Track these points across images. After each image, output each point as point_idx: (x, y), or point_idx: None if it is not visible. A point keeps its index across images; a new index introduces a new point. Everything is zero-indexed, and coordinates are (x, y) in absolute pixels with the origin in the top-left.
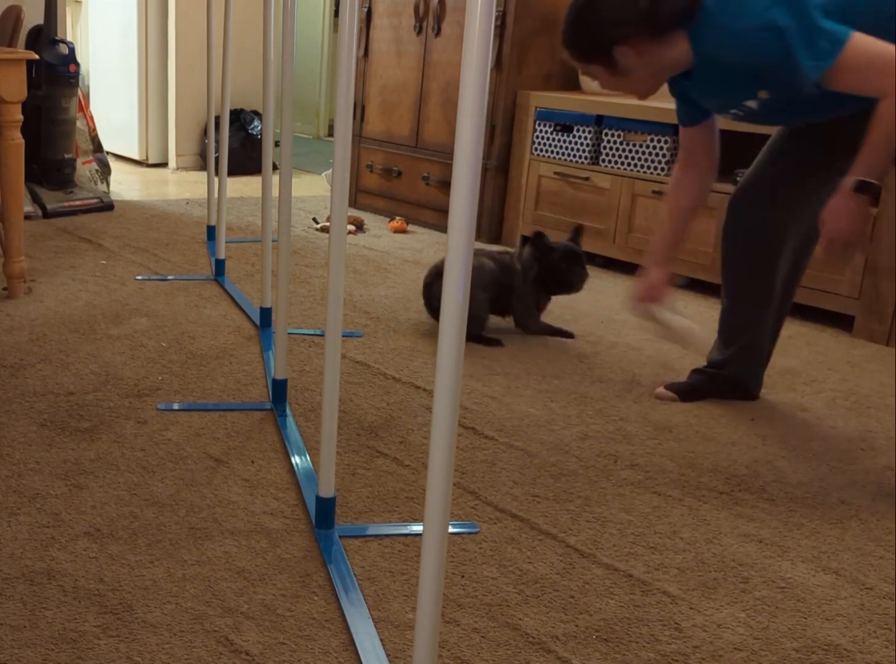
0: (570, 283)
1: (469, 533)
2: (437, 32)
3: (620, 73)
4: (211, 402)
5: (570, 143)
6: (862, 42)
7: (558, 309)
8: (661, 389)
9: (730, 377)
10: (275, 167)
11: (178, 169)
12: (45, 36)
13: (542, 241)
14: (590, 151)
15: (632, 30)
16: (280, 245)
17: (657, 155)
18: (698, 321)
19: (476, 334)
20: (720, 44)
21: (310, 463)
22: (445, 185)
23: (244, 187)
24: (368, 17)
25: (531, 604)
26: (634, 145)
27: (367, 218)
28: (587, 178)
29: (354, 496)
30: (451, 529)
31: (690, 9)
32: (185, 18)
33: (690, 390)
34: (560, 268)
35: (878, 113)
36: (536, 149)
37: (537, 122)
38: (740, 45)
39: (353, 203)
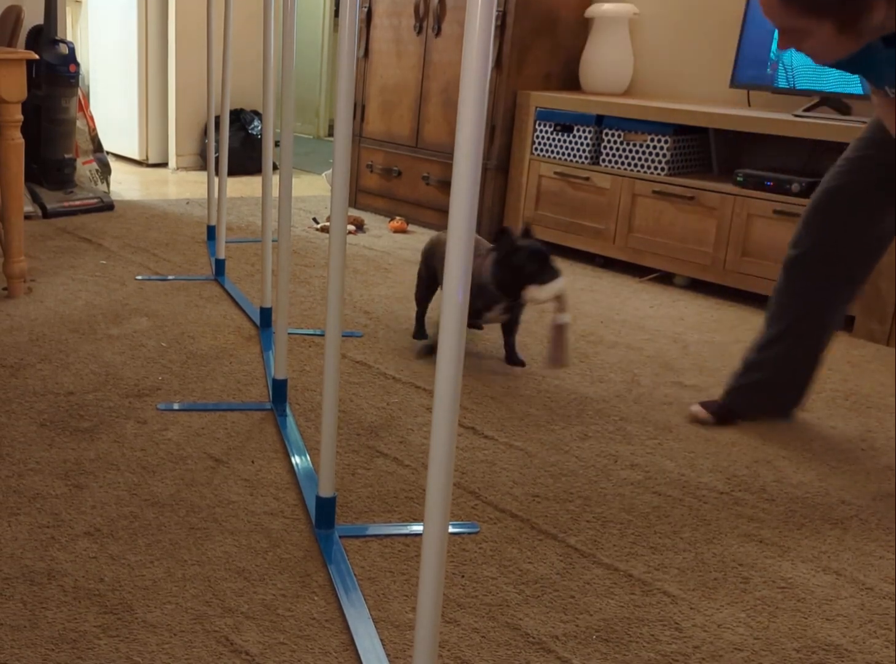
0: (539, 281)
1: (469, 533)
2: (437, 32)
3: (851, 33)
4: (211, 402)
5: (571, 142)
6: None
7: None
8: (696, 407)
9: (766, 382)
10: (275, 167)
11: (178, 169)
12: (45, 36)
13: (507, 238)
14: (590, 151)
15: None
16: (280, 245)
17: (657, 155)
18: (698, 321)
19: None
20: None
21: (310, 463)
22: (445, 185)
23: (244, 187)
24: (368, 17)
25: (531, 604)
26: (634, 145)
27: (367, 218)
28: (587, 178)
29: (354, 496)
30: (451, 529)
31: None
32: (185, 18)
33: (723, 411)
34: (523, 270)
35: None
36: (536, 149)
37: (537, 122)
38: None
39: (353, 203)
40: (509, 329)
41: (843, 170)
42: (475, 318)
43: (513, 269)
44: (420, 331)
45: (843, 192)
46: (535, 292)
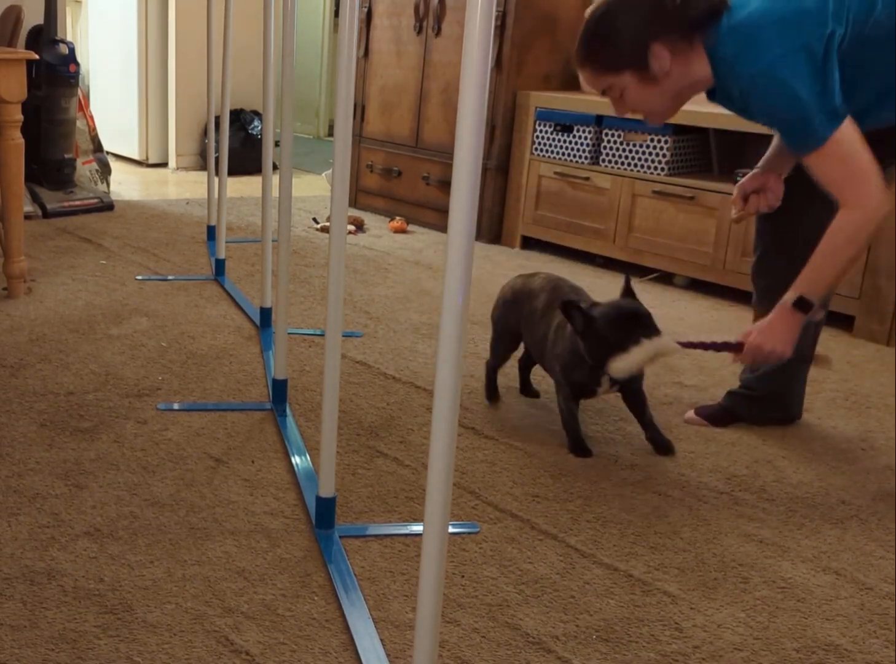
0: (623, 348)
1: (469, 533)
2: (437, 32)
3: (651, 81)
4: (211, 402)
5: (570, 142)
6: (847, 134)
7: None
8: (690, 414)
9: (767, 396)
10: (275, 167)
11: (178, 169)
12: (45, 36)
13: (574, 310)
14: (590, 151)
15: (666, 26)
16: (280, 245)
17: (657, 155)
18: (698, 321)
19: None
20: (729, 74)
21: (310, 463)
22: (445, 185)
23: (244, 187)
24: (368, 17)
25: (531, 604)
26: (634, 145)
27: (367, 218)
28: (587, 178)
29: (354, 496)
30: (451, 529)
31: (717, 8)
32: (185, 18)
33: (723, 414)
34: (607, 337)
35: (833, 226)
36: (536, 149)
37: (537, 122)
38: (749, 90)
39: (353, 203)
40: (634, 403)
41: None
42: (587, 396)
43: (596, 339)
44: (492, 390)
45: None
46: (618, 364)
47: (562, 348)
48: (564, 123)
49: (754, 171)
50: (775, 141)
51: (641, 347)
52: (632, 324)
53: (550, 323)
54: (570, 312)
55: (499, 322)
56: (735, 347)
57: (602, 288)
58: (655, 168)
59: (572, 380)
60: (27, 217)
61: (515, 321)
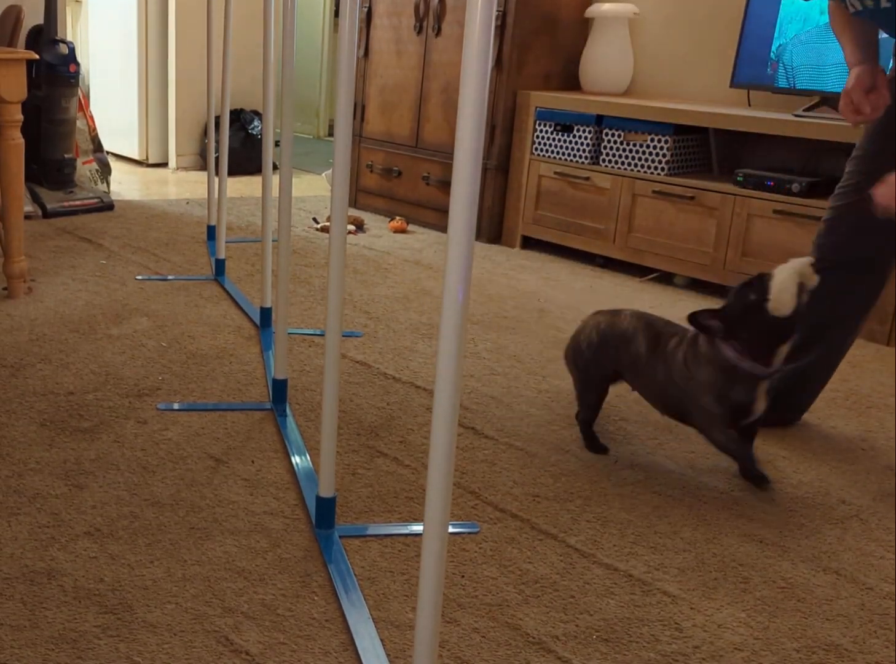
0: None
1: (469, 533)
2: (438, 32)
3: None
4: (211, 402)
5: (571, 142)
6: None
7: (557, 308)
8: None
9: (776, 392)
10: (275, 167)
11: (178, 169)
12: (45, 36)
13: (705, 317)
14: (590, 151)
15: None
16: (280, 245)
17: (657, 155)
18: None
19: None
20: None
21: (310, 463)
22: (445, 185)
23: (244, 187)
24: (368, 17)
25: (531, 604)
26: (634, 145)
27: (367, 218)
28: (587, 178)
29: (354, 496)
30: (451, 529)
31: None
32: (185, 18)
33: None
34: (747, 307)
35: None
36: (536, 149)
37: (537, 122)
38: None
39: (353, 203)
40: (750, 426)
41: (854, 173)
42: (743, 417)
43: (742, 321)
44: (593, 441)
45: (859, 200)
46: (774, 298)
47: (706, 373)
48: (564, 123)
49: (856, 69)
50: (851, 27)
51: (780, 274)
52: (752, 284)
53: (669, 362)
54: (703, 321)
55: (587, 369)
56: (866, 205)
57: (602, 288)
58: (655, 168)
59: (732, 401)
60: (27, 217)
61: (611, 366)
